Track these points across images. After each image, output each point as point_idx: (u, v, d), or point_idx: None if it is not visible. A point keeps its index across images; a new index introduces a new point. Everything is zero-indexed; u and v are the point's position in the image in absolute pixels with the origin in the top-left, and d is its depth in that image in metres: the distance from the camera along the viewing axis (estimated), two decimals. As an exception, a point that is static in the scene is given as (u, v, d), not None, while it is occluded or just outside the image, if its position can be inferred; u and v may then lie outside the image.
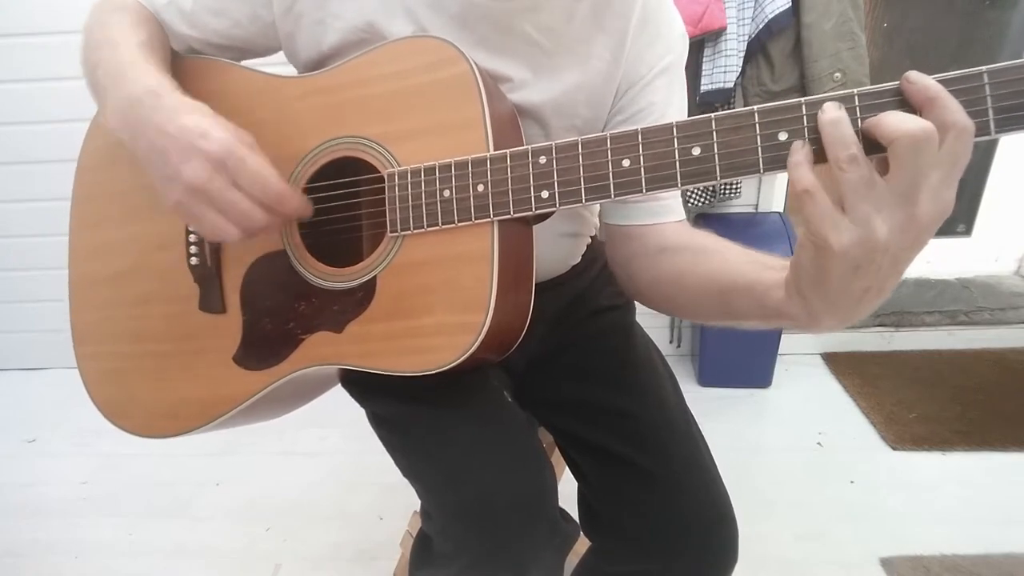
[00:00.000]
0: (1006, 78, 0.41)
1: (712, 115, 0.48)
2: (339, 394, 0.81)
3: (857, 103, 0.44)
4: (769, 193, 1.83)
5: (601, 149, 0.53)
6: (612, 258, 0.74)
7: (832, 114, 0.42)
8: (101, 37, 0.66)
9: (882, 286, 0.44)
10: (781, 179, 1.83)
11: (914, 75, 0.42)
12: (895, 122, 0.40)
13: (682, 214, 0.71)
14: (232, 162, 0.55)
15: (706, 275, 0.60)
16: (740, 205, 1.83)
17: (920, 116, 0.40)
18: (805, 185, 0.43)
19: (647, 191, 0.52)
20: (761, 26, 1.47)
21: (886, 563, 1.23)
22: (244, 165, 0.55)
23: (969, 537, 1.27)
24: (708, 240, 0.65)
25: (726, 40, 1.49)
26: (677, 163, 0.50)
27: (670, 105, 0.71)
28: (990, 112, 0.42)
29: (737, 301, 0.56)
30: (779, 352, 1.81)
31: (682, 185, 0.51)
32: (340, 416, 0.97)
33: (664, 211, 0.69)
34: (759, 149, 0.47)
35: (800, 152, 0.44)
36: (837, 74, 1.46)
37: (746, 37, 1.49)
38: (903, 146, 0.39)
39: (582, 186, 0.54)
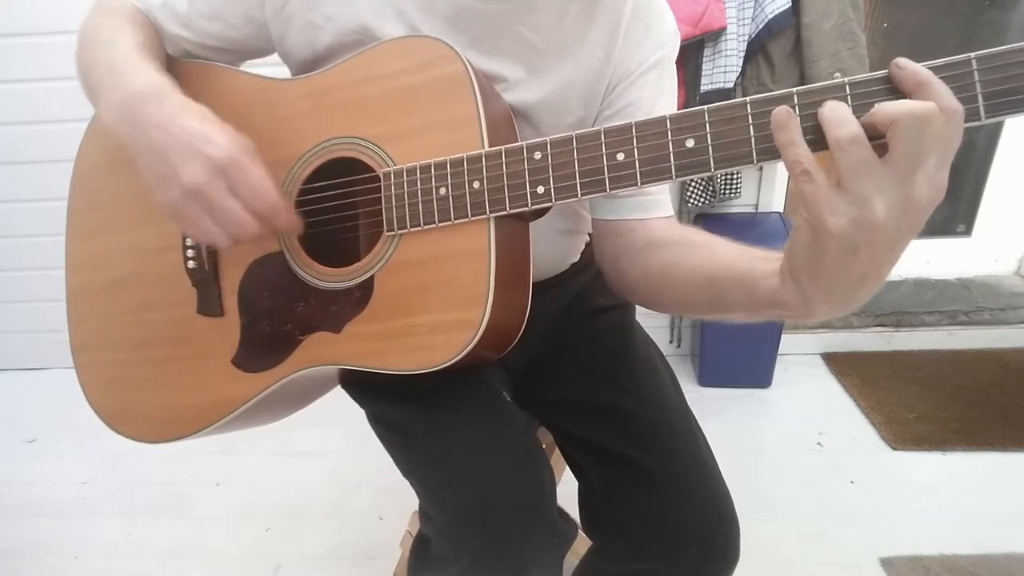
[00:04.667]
0: (994, 64, 0.41)
1: (705, 107, 0.48)
2: (339, 394, 0.81)
3: (848, 91, 0.44)
4: (769, 193, 1.82)
5: (595, 143, 0.53)
6: (600, 255, 0.74)
7: (831, 102, 0.42)
8: (97, 38, 0.66)
9: (878, 272, 0.44)
10: (781, 179, 1.82)
11: (903, 61, 0.42)
12: (897, 104, 0.40)
13: (670, 210, 0.71)
14: (233, 171, 0.55)
15: (695, 267, 0.60)
16: (740, 205, 1.83)
17: None
18: (804, 165, 0.42)
19: (642, 184, 0.52)
20: (761, 26, 1.47)
21: (886, 563, 1.22)
22: (245, 175, 0.55)
23: (969, 537, 1.27)
24: (697, 235, 0.64)
25: (726, 40, 1.49)
26: (671, 155, 0.50)
27: (659, 100, 0.70)
28: (979, 98, 0.42)
29: (727, 292, 0.55)
30: (779, 352, 1.80)
31: (676, 177, 0.51)
32: (340, 416, 0.97)
33: (653, 207, 0.69)
34: (752, 140, 0.47)
35: (788, 130, 0.43)
36: (837, 74, 1.46)
37: (746, 37, 1.49)
38: (905, 126, 0.39)
39: (577, 180, 0.54)
